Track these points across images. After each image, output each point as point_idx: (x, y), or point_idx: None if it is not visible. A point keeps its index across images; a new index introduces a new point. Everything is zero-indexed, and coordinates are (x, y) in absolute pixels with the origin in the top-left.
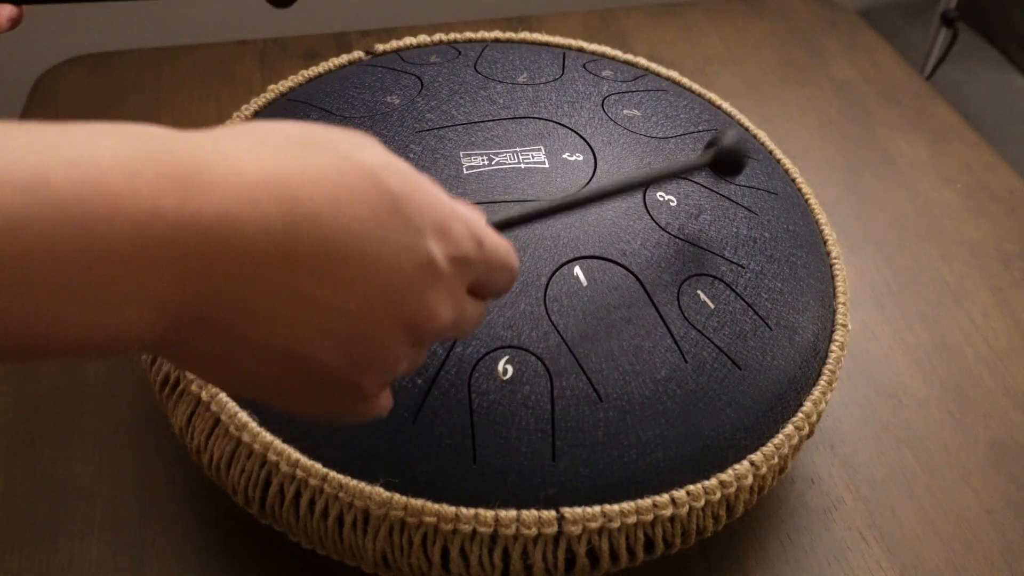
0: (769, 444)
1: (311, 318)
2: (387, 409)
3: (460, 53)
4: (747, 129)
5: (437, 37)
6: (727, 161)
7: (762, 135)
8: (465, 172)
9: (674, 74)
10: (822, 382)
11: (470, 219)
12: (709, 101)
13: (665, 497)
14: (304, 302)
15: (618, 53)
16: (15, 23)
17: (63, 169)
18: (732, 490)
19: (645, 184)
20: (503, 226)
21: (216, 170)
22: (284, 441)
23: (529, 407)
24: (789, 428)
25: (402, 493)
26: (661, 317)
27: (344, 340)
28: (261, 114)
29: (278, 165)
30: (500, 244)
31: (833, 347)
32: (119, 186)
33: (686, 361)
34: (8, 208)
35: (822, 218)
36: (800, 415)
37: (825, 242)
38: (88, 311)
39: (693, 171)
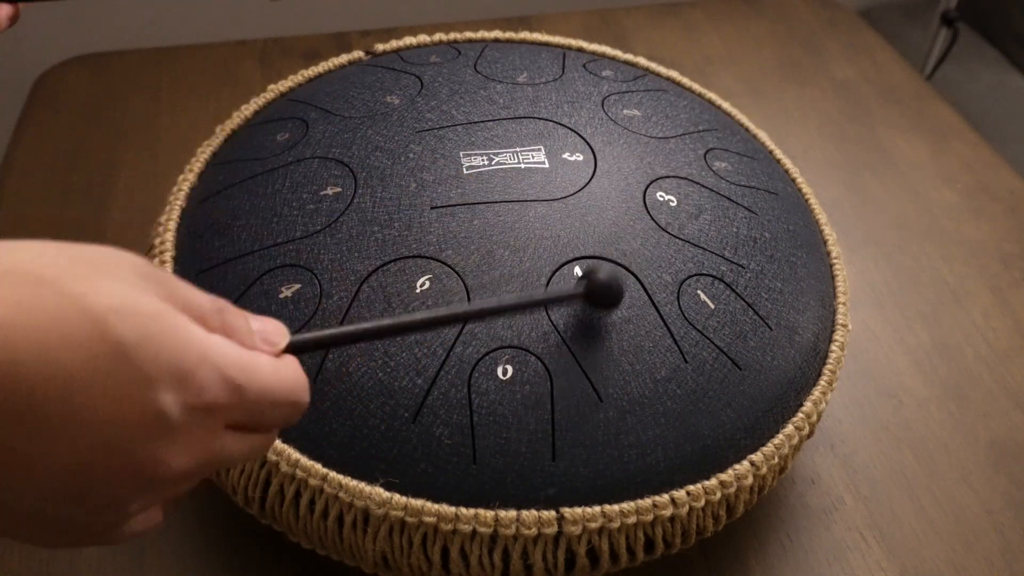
0: (769, 444)
1: (22, 472)
2: (158, 524)
3: (460, 53)
4: (747, 129)
5: (437, 37)
6: (600, 293)
7: (762, 135)
8: (465, 172)
9: (674, 74)
10: (822, 382)
11: (227, 363)
12: (709, 101)
13: (665, 497)
14: (10, 456)
15: (618, 53)
16: (13, 21)
17: None
18: (732, 490)
19: (495, 314)
20: (307, 347)
21: None
22: (284, 441)
23: (529, 407)
24: (789, 428)
25: (402, 493)
26: (661, 317)
27: (64, 490)
28: (261, 114)
29: None
30: (271, 384)
31: (833, 347)
32: None
33: (686, 361)
34: None
35: (822, 218)
36: (800, 415)
37: (825, 242)
38: None
39: (563, 303)
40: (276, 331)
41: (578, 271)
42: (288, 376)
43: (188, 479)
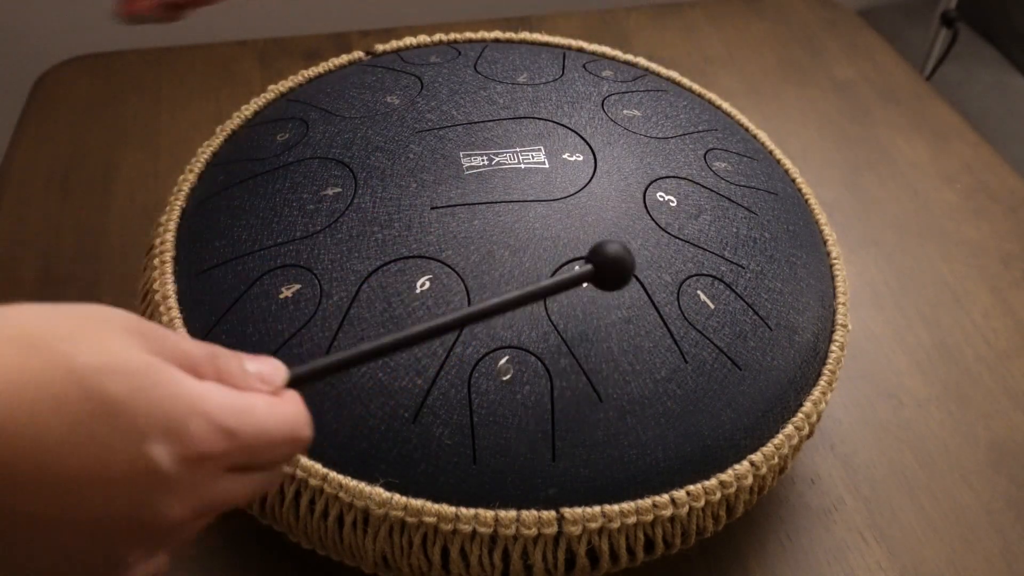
0: (769, 444)
1: (17, 535)
2: (163, 570)
3: (460, 53)
4: (747, 129)
5: (437, 37)
6: (610, 272)
7: (762, 135)
8: (465, 172)
9: (674, 74)
10: (822, 382)
11: (219, 410)
12: (709, 101)
13: (665, 497)
14: (7, 520)
15: (618, 53)
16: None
17: None
18: (732, 490)
19: (499, 311)
20: (307, 379)
21: None
22: None
23: (529, 407)
24: (789, 428)
25: (402, 493)
26: (661, 317)
27: (62, 550)
28: (261, 114)
29: None
30: (267, 425)
31: (833, 347)
32: None
33: (686, 361)
34: None
35: (822, 218)
36: (800, 415)
37: (825, 242)
38: None
39: (571, 287)
40: (273, 370)
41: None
42: (285, 414)
43: (188, 526)
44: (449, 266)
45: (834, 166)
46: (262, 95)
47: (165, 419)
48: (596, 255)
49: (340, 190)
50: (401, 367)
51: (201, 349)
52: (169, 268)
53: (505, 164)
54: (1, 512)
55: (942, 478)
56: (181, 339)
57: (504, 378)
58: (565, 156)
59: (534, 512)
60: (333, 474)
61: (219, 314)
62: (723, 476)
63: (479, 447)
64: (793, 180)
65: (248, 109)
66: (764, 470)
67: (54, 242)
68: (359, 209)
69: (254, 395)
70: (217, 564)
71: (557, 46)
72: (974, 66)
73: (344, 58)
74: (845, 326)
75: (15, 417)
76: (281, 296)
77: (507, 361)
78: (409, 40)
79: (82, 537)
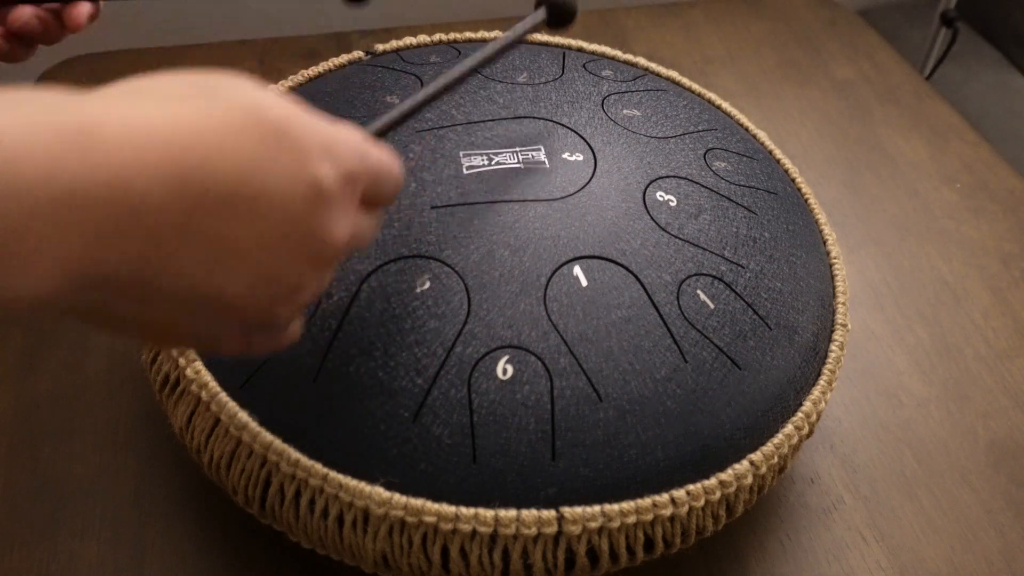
0: (769, 444)
1: (216, 259)
2: (297, 335)
3: (460, 53)
4: (747, 129)
5: (437, 37)
6: (557, 11)
7: (762, 135)
8: (465, 172)
9: (674, 74)
10: (822, 382)
11: (351, 136)
12: (709, 101)
13: (665, 497)
14: (206, 244)
15: (618, 53)
16: (93, 19)
17: None
18: (732, 490)
19: (500, 52)
20: (382, 132)
21: (106, 128)
22: (284, 441)
23: (529, 407)
24: (789, 428)
25: (402, 493)
26: (661, 317)
27: (252, 274)
28: None
29: (164, 118)
30: (383, 154)
31: (833, 347)
32: (20, 145)
33: (686, 361)
34: None
35: (822, 218)
36: (800, 415)
37: (825, 242)
38: None
39: (530, 32)
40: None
41: (578, 270)
42: (387, 152)
43: (343, 252)
44: (449, 266)
45: (834, 166)
46: None
47: (321, 139)
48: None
49: None
50: (401, 367)
51: None
52: None
53: (505, 164)
54: (204, 237)
55: (942, 477)
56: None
57: (504, 378)
58: (565, 156)
59: (534, 512)
60: (333, 474)
61: None
62: (723, 476)
63: (479, 447)
64: (793, 180)
65: None
66: (764, 469)
67: None
68: None
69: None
70: (217, 564)
71: (557, 46)
72: (974, 66)
73: (344, 58)
74: (845, 326)
75: (207, 145)
76: None
77: (507, 361)
78: (409, 40)
79: (269, 257)
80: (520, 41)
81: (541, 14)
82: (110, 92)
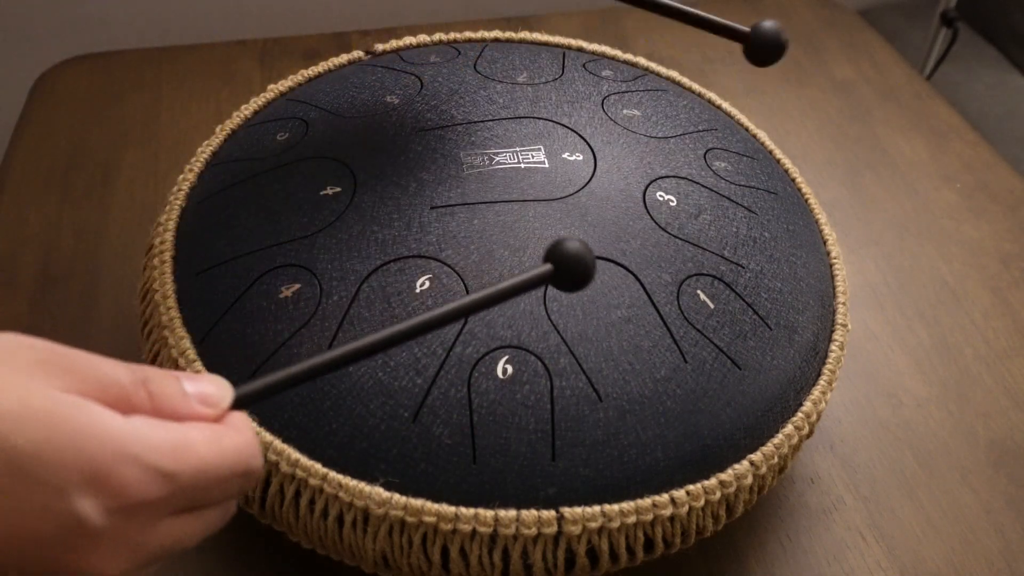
0: (769, 444)
1: None
2: None
3: (460, 53)
4: (747, 129)
5: (437, 37)
6: (567, 272)
7: (762, 135)
8: (465, 172)
9: (674, 74)
10: (822, 382)
11: (151, 450)
12: (709, 101)
13: (665, 497)
14: None
15: (618, 53)
16: None
17: None
18: (732, 490)
19: (466, 313)
20: (256, 397)
21: None
22: (284, 441)
23: (529, 407)
24: (789, 428)
25: (402, 493)
26: (661, 317)
27: None
28: (261, 114)
29: None
30: (211, 460)
31: (833, 347)
32: None
33: (686, 361)
34: None
35: (822, 218)
36: (800, 415)
37: (825, 242)
38: None
39: (530, 288)
40: (216, 390)
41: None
42: (231, 446)
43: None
44: (449, 265)
45: (834, 166)
46: (262, 95)
47: (87, 468)
48: (554, 254)
49: (340, 190)
50: (401, 367)
51: (129, 375)
52: (169, 268)
53: (505, 163)
54: None
55: (942, 478)
56: (105, 365)
57: (504, 378)
58: (565, 156)
59: (534, 512)
60: (333, 474)
61: (219, 314)
62: (723, 476)
63: (479, 447)
64: (793, 180)
65: (248, 109)
66: (764, 470)
67: (54, 241)
68: (359, 209)
69: (193, 427)
70: (217, 564)
71: (557, 46)
72: (974, 66)
73: (344, 58)
74: (845, 326)
75: None
76: (281, 296)
77: (507, 361)
78: (409, 40)
79: None
80: (511, 295)
81: (547, 271)
82: None
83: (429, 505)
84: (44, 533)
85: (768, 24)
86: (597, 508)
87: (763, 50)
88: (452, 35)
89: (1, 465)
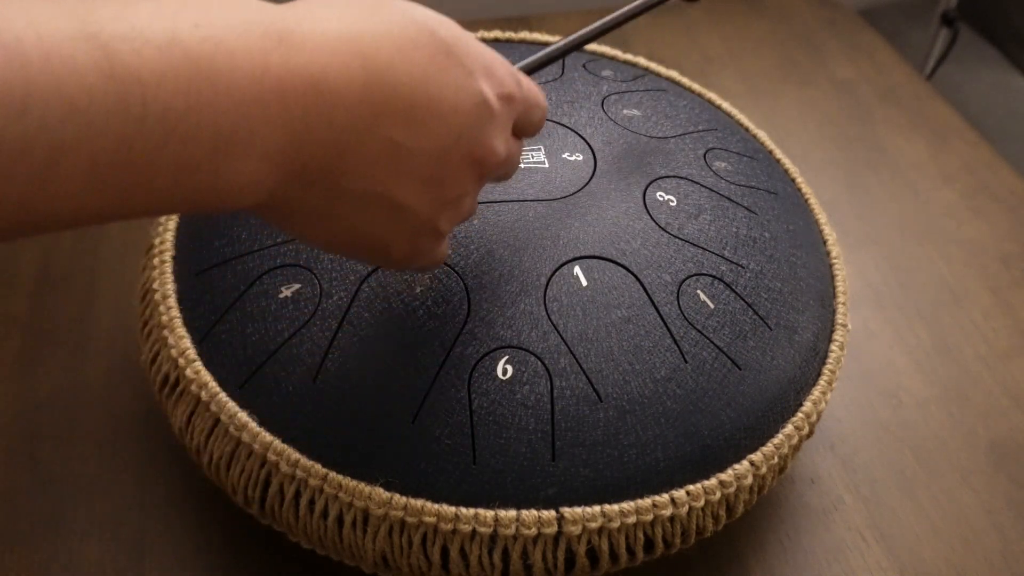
0: (769, 444)
1: (397, 163)
2: (445, 256)
3: None
4: (747, 129)
5: None
6: None
7: (762, 135)
8: None
9: (674, 74)
10: (822, 382)
11: (507, 64)
12: (709, 101)
13: (665, 497)
14: (389, 148)
15: (618, 53)
16: None
17: (189, 31)
18: (732, 490)
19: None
20: (529, 69)
21: (304, 29)
22: (284, 441)
23: (529, 407)
24: (789, 428)
25: (402, 493)
26: (661, 317)
27: (426, 180)
28: None
29: (351, 24)
30: (533, 84)
31: (833, 347)
32: (235, 45)
33: (686, 361)
34: (152, 63)
35: (822, 218)
36: (800, 415)
37: (825, 242)
38: (213, 162)
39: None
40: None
41: (578, 270)
42: (536, 86)
43: (498, 169)
44: (449, 265)
45: (834, 166)
46: None
47: (483, 60)
48: None
49: None
50: (401, 367)
51: None
52: (169, 267)
53: None
54: (384, 140)
55: (942, 478)
56: None
57: (504, 378)
58: (565, 155)
59: (534, 512)
60: (333, 474)
61: (219, 313)
62: (723, 476)
63: (479, 447)
64: (793, 180)
65: None
66: (764, 470)
67: (53, 241)
68: None
69: None
70: (217, 564)
71: None
72: (974, 66)
73: None
74: (845, 326)
75: (389, 54)
76: (281, 295)
77: (507, 361)
78: None
79: (437, 164)
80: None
81: None
82: (297, 4)
83: (429, 505)
84: (466, 106)
85: None
86: (597, 508)
87: None
88: None
89: (439, 49)
